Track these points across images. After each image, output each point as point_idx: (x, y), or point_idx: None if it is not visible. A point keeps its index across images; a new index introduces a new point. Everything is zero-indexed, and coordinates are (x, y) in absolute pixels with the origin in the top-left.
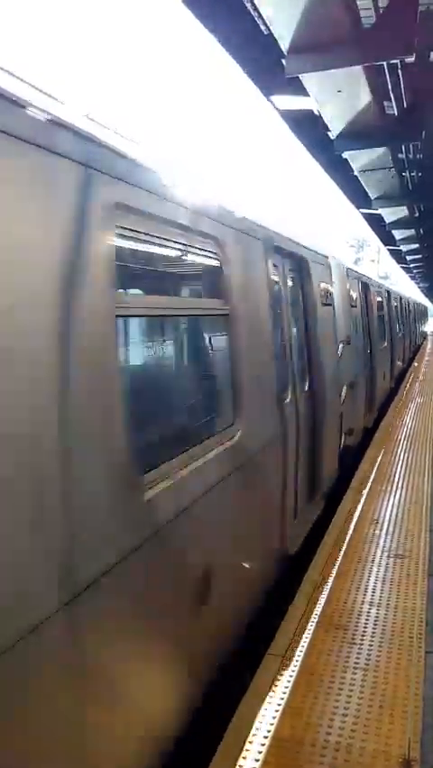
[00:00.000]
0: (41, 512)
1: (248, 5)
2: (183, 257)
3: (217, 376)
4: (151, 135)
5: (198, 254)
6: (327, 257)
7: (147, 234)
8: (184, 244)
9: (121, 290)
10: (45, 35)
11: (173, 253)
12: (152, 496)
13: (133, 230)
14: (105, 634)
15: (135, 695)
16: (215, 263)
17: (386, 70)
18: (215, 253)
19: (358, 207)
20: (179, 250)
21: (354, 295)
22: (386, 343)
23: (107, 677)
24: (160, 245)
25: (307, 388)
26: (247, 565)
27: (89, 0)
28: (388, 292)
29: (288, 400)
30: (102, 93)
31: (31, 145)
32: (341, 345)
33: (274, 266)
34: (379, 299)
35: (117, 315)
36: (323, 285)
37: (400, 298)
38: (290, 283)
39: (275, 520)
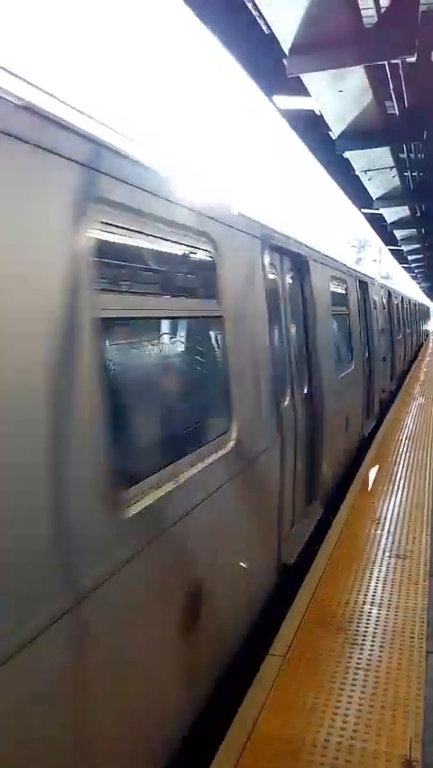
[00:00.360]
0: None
1: (249, 5)
2: (339, 292)
3: (348, 341)
4: (153, 135)
5: (342, 288)
6: (373, 278)
7: (335, 287)
8: (342, 287)
9: (333, 306)
10: (45, 34)
11: (338, 290)
12: (342, 376)
13: (334, 285)
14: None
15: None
16: (344, 291)
17: (388, 70)
18: (345, 287)
19: (359, 207)
20: (342, 288)
21: (384, 301)
22: (401, 336)
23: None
24: (338, 289)
25: (366, 356)
26: (355, 422)
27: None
28: (402, 297)
29: (363, 359)
30: (103, 92)
31: (329, 268)
32: (377, 334)
33: (356, 290)
34: (396, 302)
35: (332, 315)
36: (373, 297)
37: (410, 301)
38: (359, 297)
39: (360, 415)
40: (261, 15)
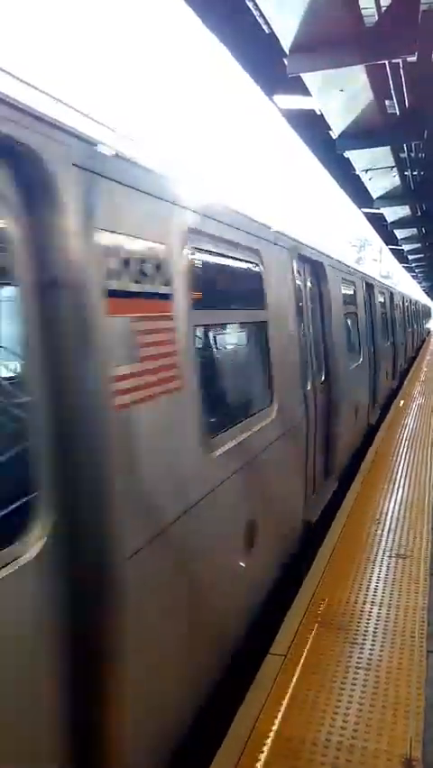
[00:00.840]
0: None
1: (249, 4)
2: (381, 301)
3: (387, 329)
4: (153, 135)
5: (383, 299)
6: (395, 288)
7: (380, 298)
8: (383, 297)
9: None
10: (45, 34)
11: (381, 300)
12: (385, 346)
13: (380, 297)
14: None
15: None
16: (383, 300)
17: (388, 69)
18: (384, 298)
19: (360, 207)
20: (383, 299)
21: (402, 304)
22: (411, 329)
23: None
24: (381, 299)
25: (392, 341)
26: (389, 377)
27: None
28: (410, 300)
29: (391, 341)
30: (103, 92)
31: (379, 288)
32: (399, 327)
33: (389, 298)
34: (408, 305)
35: (381, 314)
36: (396, 302)
37: (416, 303)
38: (390, 303)
39: (391, 374)
40: (261, 15)
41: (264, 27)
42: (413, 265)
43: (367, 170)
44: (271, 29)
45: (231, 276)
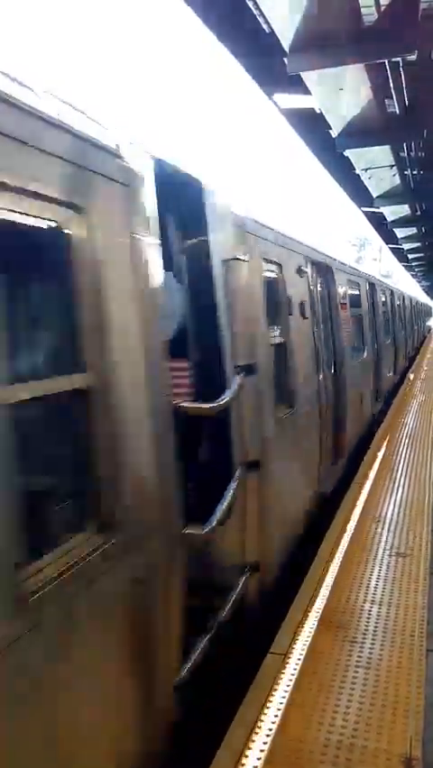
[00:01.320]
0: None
1: (249, 3)
2: (399, 303)
3: (402, 324)
4: (153, 134)
5: (400, 302)
6: (405, 292)
7: (399, 302)
8: (401, 301)
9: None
10: (46, 34)
11: (399, 303)
12: (402, 335)
13: (398, 302)
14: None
15: None
16: (400, 303)
17: (388, 68)
18: (401, 301)
19: (360, 206)
20: (400, 302)
21: (411, 304)
22: (415, 326)
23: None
24: (399, 302)
25: (404, 333)
26: (404, 360)
27: None
28: (416, 300)
29: (406, 333)
30: (103, 91)
31: (398, 295)
32: (409, 322)
33: (404, 301)
34: (414, 305)
35: (399, 315)
36: (406, 303)
37: (418, 302)
38: (404, 305)
39: (404, 357)
40: (261, 14)
41: (264, 27)
42: (413, 264)
43: (367, 169)
44: (271, 28)
45: (357, 296)
